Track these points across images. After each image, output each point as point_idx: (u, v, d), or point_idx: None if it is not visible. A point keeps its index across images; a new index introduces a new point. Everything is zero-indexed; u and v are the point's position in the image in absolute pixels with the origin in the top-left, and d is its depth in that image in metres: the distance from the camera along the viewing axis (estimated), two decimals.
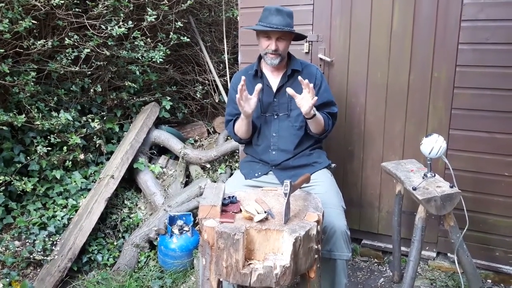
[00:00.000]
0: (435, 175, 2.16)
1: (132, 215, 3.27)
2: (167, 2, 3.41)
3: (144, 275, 2.86)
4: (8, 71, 2.80)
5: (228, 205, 1.76)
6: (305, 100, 2.04)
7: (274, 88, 2.27)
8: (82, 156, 3.21)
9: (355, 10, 2.66)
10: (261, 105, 2.27)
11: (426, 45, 2.51)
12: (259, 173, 2.28)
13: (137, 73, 3.56)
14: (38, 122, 2.93)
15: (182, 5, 3.58)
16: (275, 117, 2.27)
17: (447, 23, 2.44)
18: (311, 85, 1.99)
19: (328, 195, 2.09)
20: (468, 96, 2.46)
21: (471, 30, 2.39)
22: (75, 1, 3.03)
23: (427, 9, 2.47)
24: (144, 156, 3.53)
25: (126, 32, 3.22)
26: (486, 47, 2.37)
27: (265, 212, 1.66)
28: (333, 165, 2.35)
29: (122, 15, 3.20)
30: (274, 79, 2.30)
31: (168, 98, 3.86)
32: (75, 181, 3.17)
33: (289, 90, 2.05)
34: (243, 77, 2.05)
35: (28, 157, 3.03)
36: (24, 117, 2.84)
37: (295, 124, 2.26)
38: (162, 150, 3.80)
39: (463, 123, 2.49)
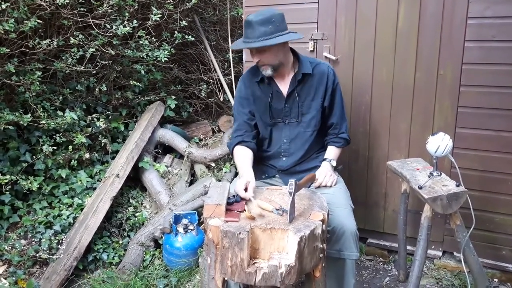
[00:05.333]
0: (441, 174, 2.15)
1: (137, 214, 3.28)
2: (171, 1, 3.41)
3: (149, 273, 2.87)
4: (14, 71, 2.81)
5: (233, 204, 1.76)
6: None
7: (285, 93, 2.17)
8: (87, 155, 3.23)
9: (360, 7, 2.64)
10: (271, 111, 2.20)
11: (432, 42, 2.49)
12: (266, 176, 2.28)
13: (142, 72, 3.56)
14: (43, 122, 2.94)
15: (187, 4, 3.57)
16: (286, 123, 2.21)
17: (453, 20, 2.42)
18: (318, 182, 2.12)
19: (337, 195, 2.08)
20: (474, 94, 2.44)
21: (478, 28, 2.36)
22: (80, 1, 3.03)
23: (433, 6, 2.45)
24: (149, 155, 3.54)
25: (131, 31, 3.22)
26: (493, 45, 2.35)
27: (277, 209, 1.66)
28: (339, 166, 2.32)
29: (127, 14, 3.20)
30: (283, 84, 2.18)
31: (173, 97, 3.86)
32: (80, 180, 3.18)
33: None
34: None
35: (34, 156, 3.04)
36: (30, 117, 2.85)
37: (307, 130, 2.20)
38: (167, 149, 3.80)
39: (470, 121, 2.48)
